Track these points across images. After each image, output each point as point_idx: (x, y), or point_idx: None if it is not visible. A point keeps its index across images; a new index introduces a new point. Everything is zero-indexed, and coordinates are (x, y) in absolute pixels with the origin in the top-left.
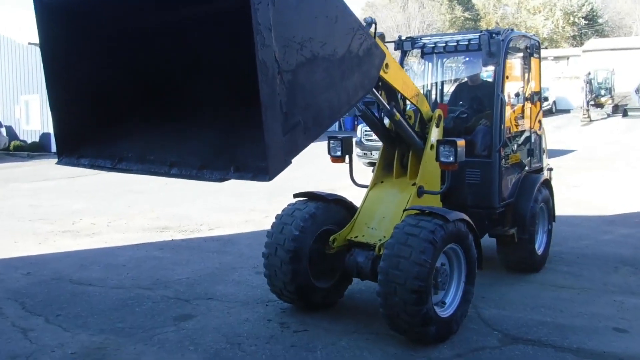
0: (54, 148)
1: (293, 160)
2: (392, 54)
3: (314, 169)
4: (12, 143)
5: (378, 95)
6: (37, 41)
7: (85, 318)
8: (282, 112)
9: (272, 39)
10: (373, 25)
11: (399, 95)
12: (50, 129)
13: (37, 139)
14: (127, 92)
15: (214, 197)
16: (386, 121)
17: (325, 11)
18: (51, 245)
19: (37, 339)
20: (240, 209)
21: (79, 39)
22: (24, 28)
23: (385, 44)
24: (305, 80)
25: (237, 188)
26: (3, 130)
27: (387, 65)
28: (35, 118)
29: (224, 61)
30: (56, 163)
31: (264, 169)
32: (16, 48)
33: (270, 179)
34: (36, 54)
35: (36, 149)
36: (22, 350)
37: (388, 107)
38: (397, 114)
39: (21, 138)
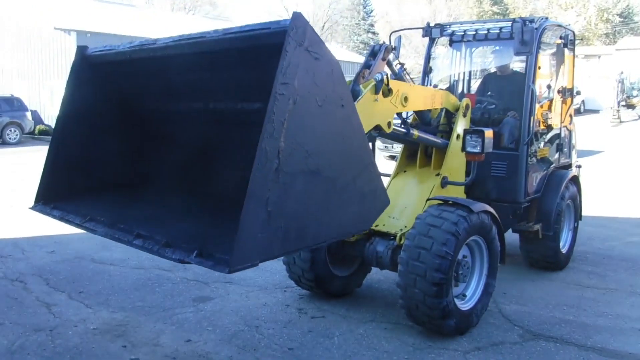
0: None
1: None
2: (420, 42)
3: None
4: (37, 127)
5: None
6: (63, 26)
7: (106, 296)
8: (266, 209)
9: (282, 135)
10: (389, 52)
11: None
12: None
13: None
14: (117, 159)
15: None
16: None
17: (344, 134)
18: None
19: (60, 314)
20: None
21: (98, 94)
22: (49, 13)
23: (413, 29)
24: (302, 189)
25: None
26: (28, 114)
27: (405, 98)
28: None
29: (224, 145)
30: (29, 208)
31: (226, 260)
32: (41, 33)
33: (230, 271)
34: (61, 40)
35: None
36: (45, 323)
37: (404, 131)
38: (415, 133)
39: (46, 122)
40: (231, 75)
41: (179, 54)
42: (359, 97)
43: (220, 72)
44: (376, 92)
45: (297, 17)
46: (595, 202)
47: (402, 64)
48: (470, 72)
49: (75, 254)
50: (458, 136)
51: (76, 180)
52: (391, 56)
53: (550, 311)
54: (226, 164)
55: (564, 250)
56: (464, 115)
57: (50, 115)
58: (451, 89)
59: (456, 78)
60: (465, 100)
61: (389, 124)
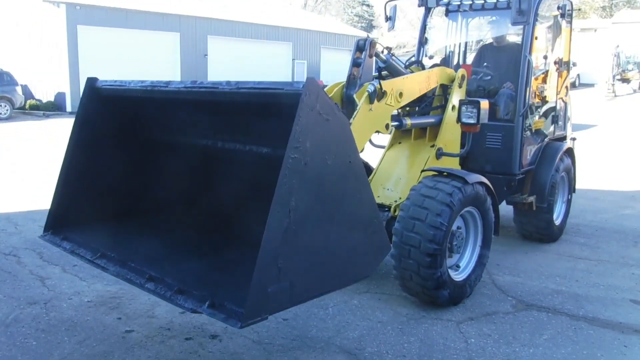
0: (69, 107)
1: None
2: (415, 14)
3: None
4: (28, 102)
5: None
6: None
7: None
8: (277, 265)
9: (293, 195)
10: (375, 46)
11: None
12: (65, 88)
13: (52, 99)
14: (132, 193)
15: None
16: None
17: (352, 188)
18: None
19: (54, 287)
20: None
21: (107, 125)
22: None
23: None
24: (310, 245)
25: None
26: (19, 88)
27: (400, 94)
28: (50, 77)
29: (229, 181)
30: (39, 237)
31: (238, 314)
32: (30, 5)
33: (242, 326)
34: (50, 12)
35: (51, 108)
36: (40, 296)
37: (397, 124)
38: (409, 123)
39: (37, 97)
40: (241, 121)
41: (190, 100)
42: (355, 113)
43: (231, 117)
44: (370, 102)
45: (311, 82)
46: (589, 176)
47: (389, 49)
48: (466, 43)
49: None
50: (453, 107)
51: (85, 209)
52: (378, 47)
53: (543, 282)
54: (231, 201)
55: (557, 222)
56: (460, 86)
57: (41, 90)
58: (447, 60)
59: (452, 49)
60: (461, 71)
61: (387, 125)
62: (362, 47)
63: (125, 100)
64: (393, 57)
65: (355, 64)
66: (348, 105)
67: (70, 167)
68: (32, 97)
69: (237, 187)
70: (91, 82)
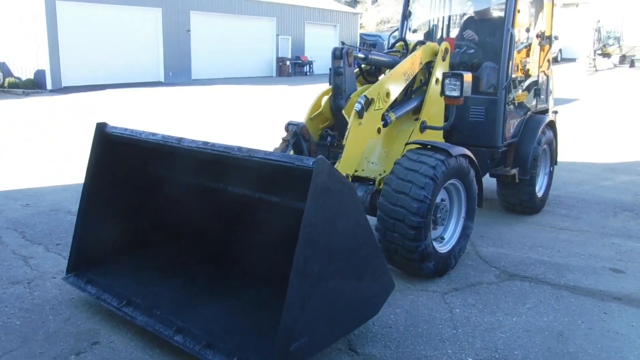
0: (49, 85)
1: None
2: None
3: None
4: (7, 80)
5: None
6: None
7: None
8: (297, 325)
9: (309, 263)
10: (352, 54)
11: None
12: (44, 65)
13: (31, 76)
14: (146, 228)
15: None
16: None
17: (359, 242)
18: (49, 178)
19: (37, 266)
20: None
21: (118, 168)
22: None
23: None
24: (322, 303)
25: None
26: None
27: (387, 94)
28: (29, 54)
29: (240, 224)
30: (62, 278)
31: None
32: None
33: None
34: None
35: (31, 86)
36: (23, 276)
37: (385, 121)
38: (393, 117)
39: (15, 75)
40: (251, 174)
41: (201, 158)
42: (347, 133)
43: (241, 171)
44: (360, 117)
45: (321, 161)
46: (570, 148)
47: (364, 46)
48: (449, 17)
49: (50, 207)
50: (437, 80)
51: (103, 247)
52: (355, 52)
53: (525, 252)
54: (243, 242)
55: (539, 194)
56: (443, 60)
57: (20, 68)
58: (430, 34)
59: (435, 23)
60: (445, 45)
61: (379, 130)
62: (340, 56)
63: (135, 148)
64: (372, 52)
65: (337, 72)
66: (338, 115)
67: (88, 208)
68: (11, 75)
69: (246, 229)
70: (101, 127)
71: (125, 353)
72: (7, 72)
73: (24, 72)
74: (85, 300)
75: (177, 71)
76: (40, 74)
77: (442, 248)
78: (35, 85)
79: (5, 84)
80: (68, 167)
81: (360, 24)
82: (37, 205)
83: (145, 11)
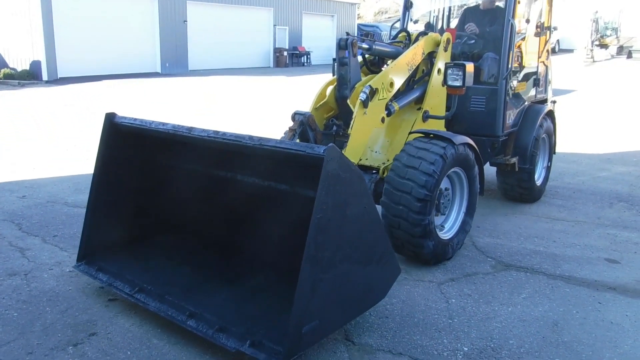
0: (45, 76)
1: None
2: None
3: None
4: (2, 71)
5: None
6: None
7: None
8: (309, 309)
9: (320, 249)
10: (357, 45)
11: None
12: (40, 56)
13: (27, 67)
14: (155, 215)
15: None
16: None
17: (367, 228)
18: (46, 170)
19: (34, 258)
20: None
21: (128, 157)
22: None
23: None
24: (331, 290)
25: None
26: None
27: (391, 84)
28: (25, 45)
29: (249, 212)
30: (73, 267)
31: (278, 353)
32: None
33: None
34: None
35: (27, 77)
36: (20, 267)
37: (389, 111)
38: (396, 107)
39: (11, 66)
40: (261, 162)
41: (211, 147)
42: (352, 122)
43: (251, 160)
44: (365, 107)
45: (331, 149)
46: (567, 139)
47: (367, 36)
48: (450, 8)
49: (47, 198)
50: (439, 70)
51: (113, 235)
52: (360, 42)
53: (521, 243)
54: (252, 229)
55: (538, 182)
56: (445, 50)
57: (16, 58)
58: (431, 24)
59: (436, 13)
60: (446, 35)
61: (383, 119)
62: (345, 46)
63: (145, 137)
64: (376, 42)
65: (342, 63)
66: (343, 105)
67: (97, 197)
68: (6, 66)
69: (254, 216)
70: (110, 117)
71: (123, 344)
72: (3, 63)
73: (20, 63)
74: (83, 291)
75: (174, 62)
76: (35, 65)
77: (442, 235)
78: (30, 76)
79: (1, 75)
80: (64, 160)
81: (358, 15)
82: (33, 197)
83: (141, 1)
